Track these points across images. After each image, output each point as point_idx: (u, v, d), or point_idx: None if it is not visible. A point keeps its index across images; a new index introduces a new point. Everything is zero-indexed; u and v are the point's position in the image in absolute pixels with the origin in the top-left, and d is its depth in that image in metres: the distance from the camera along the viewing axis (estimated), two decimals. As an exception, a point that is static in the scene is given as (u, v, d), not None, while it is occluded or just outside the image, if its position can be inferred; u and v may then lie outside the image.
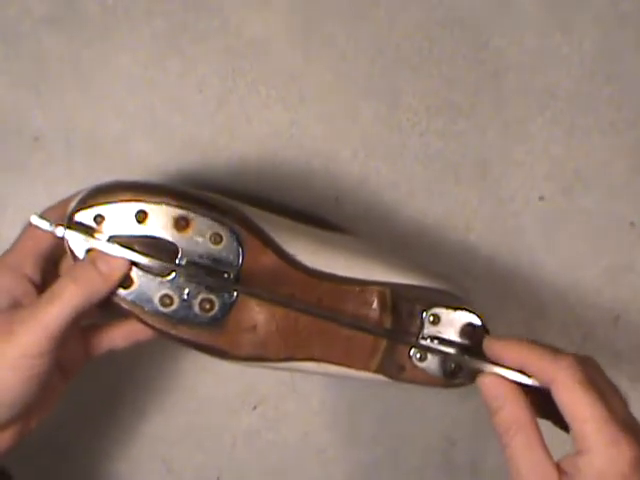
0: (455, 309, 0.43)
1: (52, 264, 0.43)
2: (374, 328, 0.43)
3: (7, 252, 0.42)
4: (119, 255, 0.40)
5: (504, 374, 0.41)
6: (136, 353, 0.54)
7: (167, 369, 0.55)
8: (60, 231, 0.40)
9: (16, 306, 0.40)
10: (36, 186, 0.51)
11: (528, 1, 0.53)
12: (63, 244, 0.41)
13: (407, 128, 0.53)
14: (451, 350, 0.43)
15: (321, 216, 0.53)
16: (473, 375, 0.42)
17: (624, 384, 0.57)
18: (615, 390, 0.40)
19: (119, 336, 0.45)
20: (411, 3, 0.52)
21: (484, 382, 0.41)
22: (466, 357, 0.43)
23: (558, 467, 0.38)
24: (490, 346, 0.42)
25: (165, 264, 0.41)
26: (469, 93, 0.53)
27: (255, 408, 0.56)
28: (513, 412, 0.40)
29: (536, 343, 0.41)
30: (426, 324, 0.43)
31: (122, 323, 0.44)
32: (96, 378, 0.53)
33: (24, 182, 0.52)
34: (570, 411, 0.38)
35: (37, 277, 0.42)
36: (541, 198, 0.55)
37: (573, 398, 0.38)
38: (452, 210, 0.54)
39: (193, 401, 0.55)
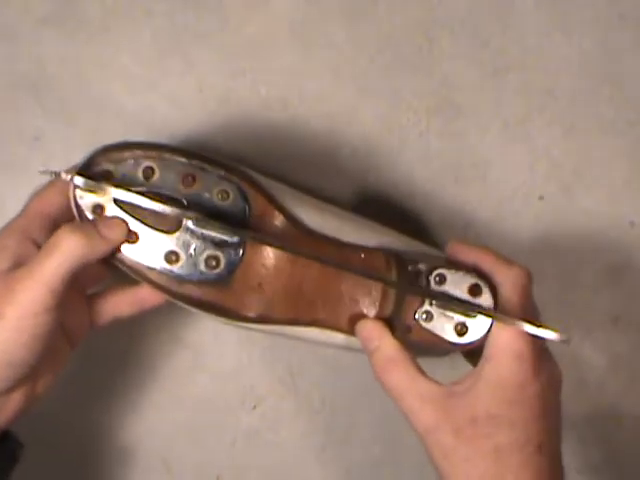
0: (460, 269, 0.43)
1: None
2: (384, 277, 0.43)
3: (16, 216, 0.42)
4: (129, 200, 0.40)
5: (517, 326, 0.40)
6: (136, 351, 0.54)
7: (166, 367, 0.55)
8: (78, 180, 0.40)
9: (18, 267, 0.40)
10: (36, 186, 0.51)
11: (528, 1, 0.53)
12: (71, 210, 0.41)
13: (407, 128, 0.53)
14: (459, 303, 0.42)
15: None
16: (480, 336, 0.41)
17: (623, 384, 0.57)
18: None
19: (124, 303, 0.44)
20: (411, 3, 0.52)
21: (359, 326, 0.43)
22: (473, 313, 0.42)
23: (449, 388, 0.40)
24: (451, 247, 0.44)
25: (174, 209, 0.40)
26: (469, 93, 0.53)
27: (255, 408, 0.56)
28: (389, 350, 0.41)
29: (492, 249, 0.43)
30: (432, 284, 0.43)
31: (127, 289, 0.44)
32: (95, 377, 0.54)
33: (24, 182, 0.51)
34: (506, 308, 0.41)
35: (43, 241, 0.41)
36: (541, 198, 0.55)
37: (513, 298, 0.41)
38: (452, 210, 0.54)
39: (193, 400, 0.55)
